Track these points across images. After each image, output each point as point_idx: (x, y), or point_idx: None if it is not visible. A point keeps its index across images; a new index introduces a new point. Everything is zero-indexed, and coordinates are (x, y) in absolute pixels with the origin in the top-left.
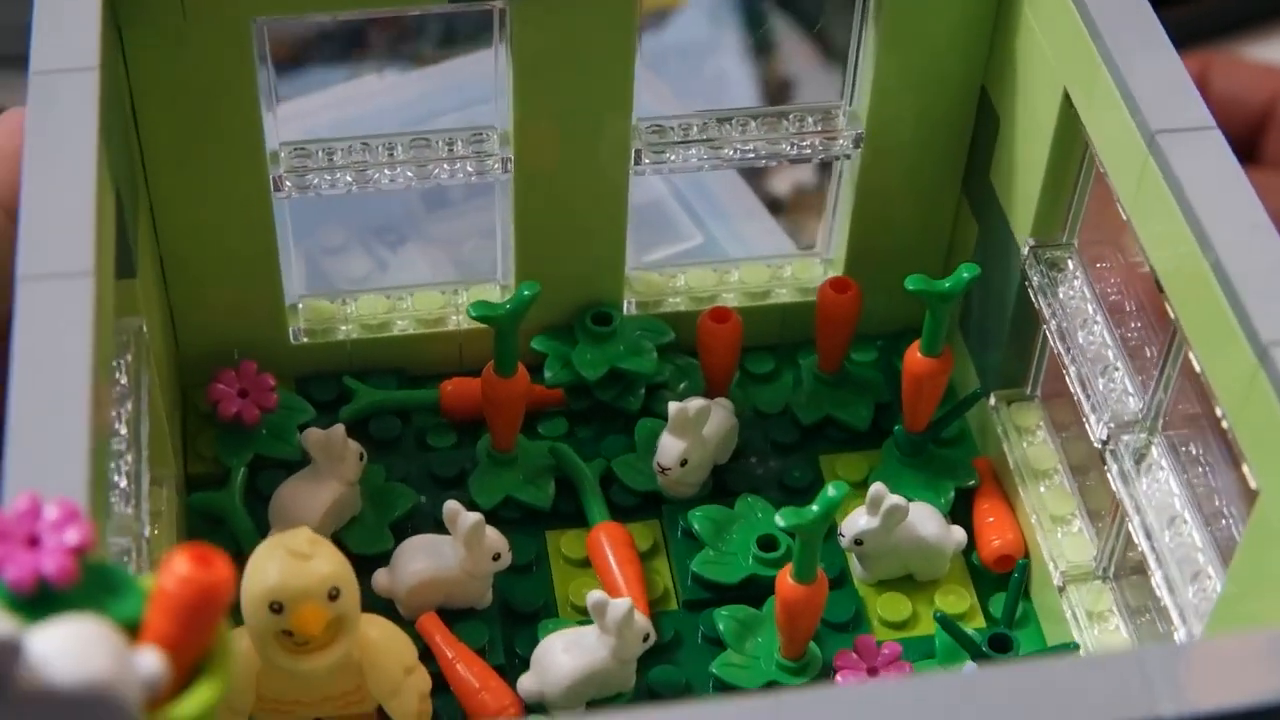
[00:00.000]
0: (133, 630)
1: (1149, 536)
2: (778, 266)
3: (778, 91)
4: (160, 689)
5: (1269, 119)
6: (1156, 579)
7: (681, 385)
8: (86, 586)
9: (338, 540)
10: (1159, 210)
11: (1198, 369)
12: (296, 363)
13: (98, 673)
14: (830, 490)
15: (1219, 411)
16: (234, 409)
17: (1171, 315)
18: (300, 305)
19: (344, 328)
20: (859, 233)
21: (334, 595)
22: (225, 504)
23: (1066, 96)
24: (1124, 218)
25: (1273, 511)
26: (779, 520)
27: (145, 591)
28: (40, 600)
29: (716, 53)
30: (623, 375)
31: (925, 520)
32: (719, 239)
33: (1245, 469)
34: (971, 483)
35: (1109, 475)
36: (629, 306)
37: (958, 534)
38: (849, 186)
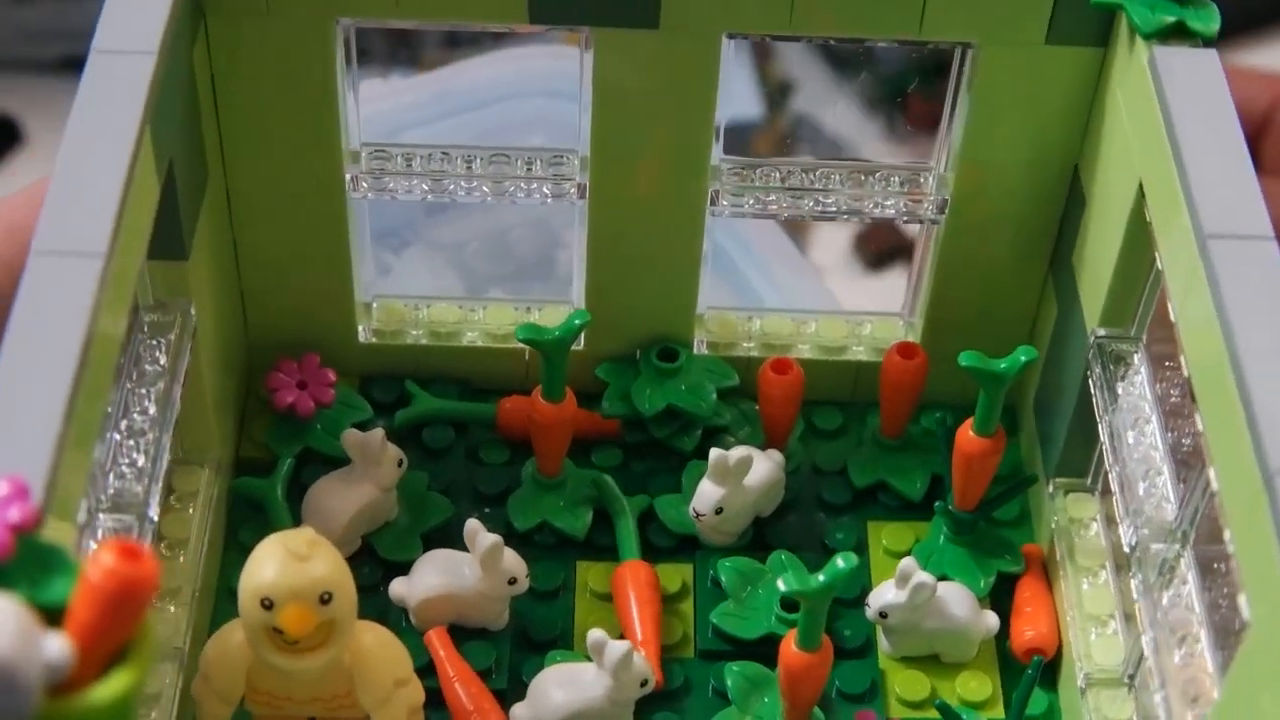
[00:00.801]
0: (59, 613)
1: (1156, 652)
2: (857, 323)
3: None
4: (66, 675)
5: (1268, 125)
6: (1157, 698)
7: (742, 431)
8: (23, 564)
9: (368, 543)
10: (1199, 315)
11: (1214, 487)
12: (363, 361)
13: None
14: (839, 561)
15: (1226, 534)
16: (290, 399)
17: (1200, 427)
18: (374, 305)
19: (414, 332)
20: (939, 300)
21: (325, 599)
22: (266, 492)
23: (1141, 187)
24: (1173, 318)
25: (1260, 648)
26: (780, 585)
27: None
28: None
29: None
30: (680, 414)
31: (957, 601)
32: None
33: (1241, 598)
34: (1016, 569)
35: (1132, 583)
36: (699, 346)
37: (990, 620)
38: (933, 252)
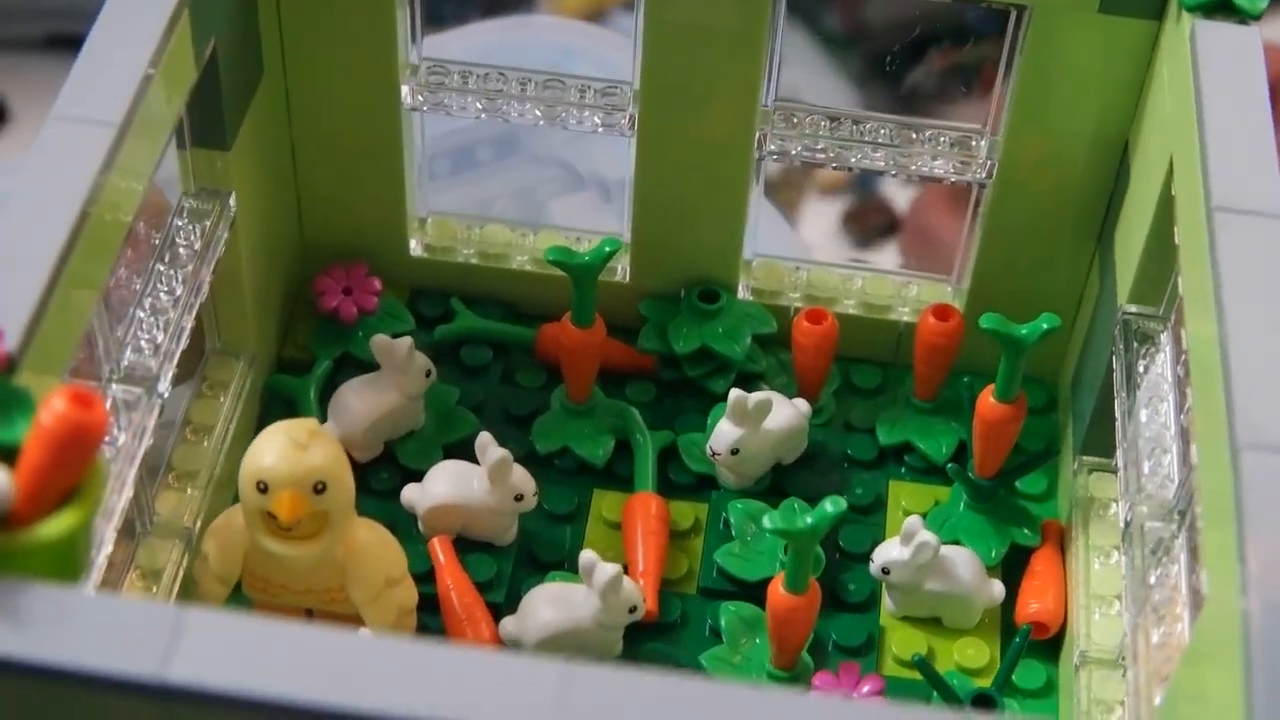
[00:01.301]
0: (15, 453)
1: (1134, 632)
2: (903, 284)
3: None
4: (6, 508)
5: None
6: (1129, 675)
7: (779, 380)
8: None
9: (390, 449)
10: (1198, 290)
11: (1194, 462)
12: (414, 275)
13: None
14: (828, 505)
15: (1198, 510)
16: (334, 303)
17: (1183, 403)
18: (429, 220)
19: (464, 251)
20: (985, 267)
21: (320, 489)
22: (300, 391)
23: (1171, 163)
24: (1180, 292)
25: (1212, 624)
26: (765, 522)
27: None
28: None
29: None
30: (714, 356)
31: (962, 566)
32: None
33: (1202, 574)
34: (1032, 542)
35: (1122, 560)
36: (744, 291)
37: (995, 588)
38: (982, 217)
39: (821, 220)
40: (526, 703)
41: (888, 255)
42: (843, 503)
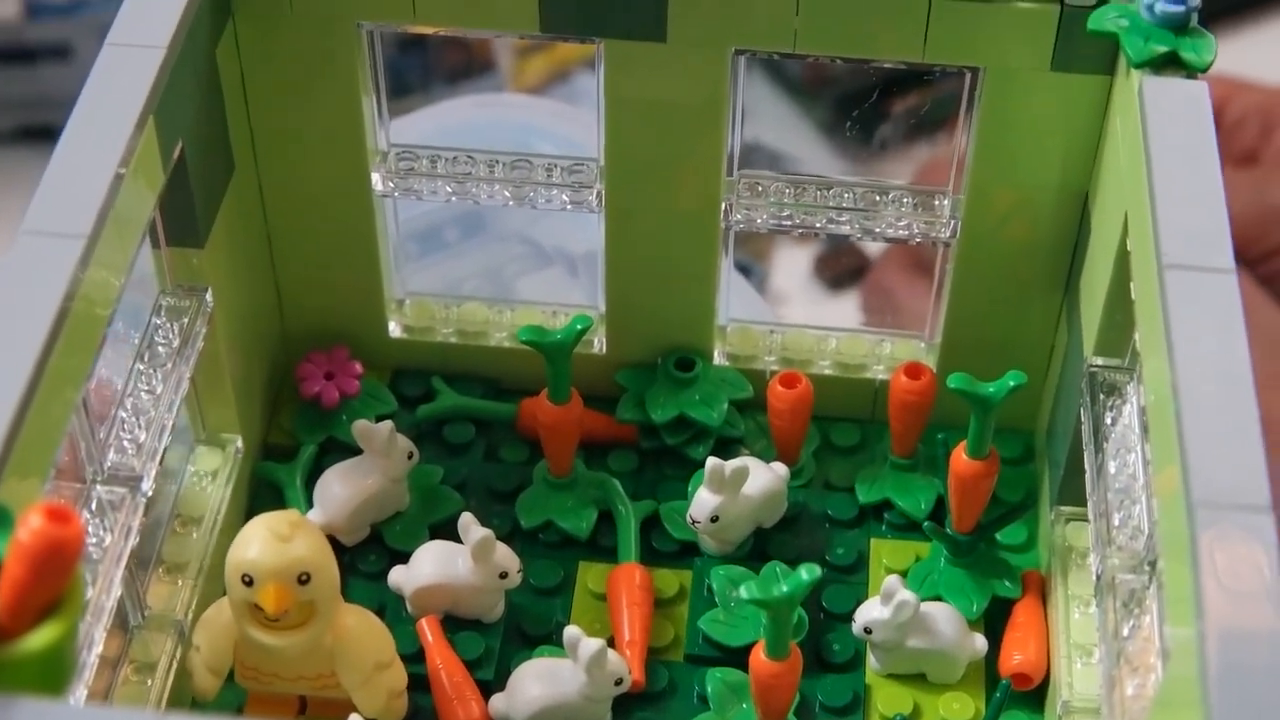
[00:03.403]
0: None
1: (1110, 685)
2: (876, 343)
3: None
4: None
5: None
6: None
7: (758, 444)
8: None
9: (376, 532)
10: (1154, 346)
11: (1154, 518)
12: (394, 356)
13: None
14: (803, 573)
15: (1160, 564)
16: (316, 389)
17: (1146, 457)
18: (406, 302)
19: (443, 330)
20: (956, 323)
21: (304, 580)
22: (285, 478)
23: (1126, 217)
24: (1137, 348)
25: (1175, 678)
26: (741, 592)
27: None
28: None
29: None
30: (692, 423)
31: (944, 622)
32: None
33: (1167, 628)
34: (1013, 594)
35: (1094, 612)
36: (720, 357)
37: (978, 642)
38: (950, 275)
39: (794, 267)
40: None
41: (853, 312)
42: (817, 570)
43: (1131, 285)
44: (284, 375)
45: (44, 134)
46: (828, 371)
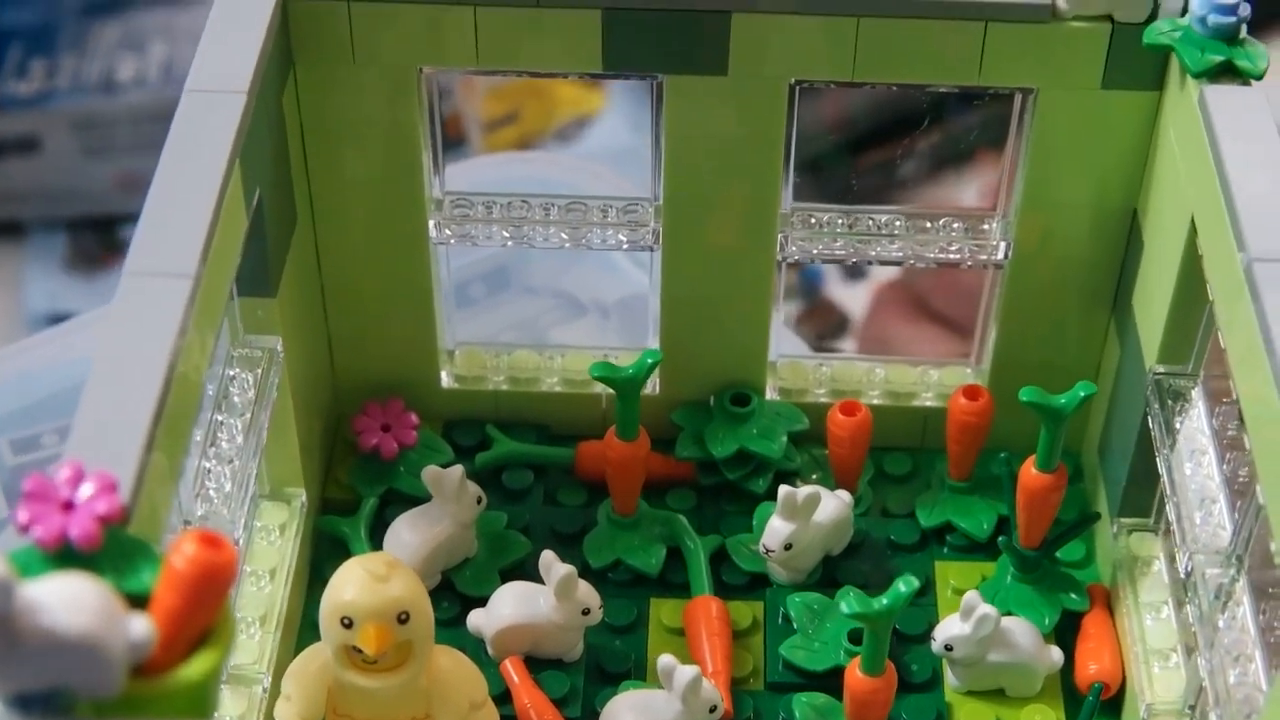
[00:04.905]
0: (144, 602)
1: (1211, 673)
2: (924, 370)
3: None
4: (148, 655)
5: None
6: (1213, 716)
7: (814, 475)
8: (109, 555)
9: (447, 578)
10: (1244, 337)
11: (1261, 502)
12: (446, 406)
13: (84, 625)
14: (901, 586)
15: (1273, 546)
16: (373, 441)
17: (1247, 448)
18: (456, 352)
19: (495, 379)
20: (1005, 345)
21: (403, 619)
22: (349, 531)
23: (1194, 223)
24: (1223, 345)
25: None
26: (843, 607)
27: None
28: (64, 560)
29: None
30: (751, 457)
31: (1021, 636)
32: None
33: None
34: (1082, 606)
35: (1189, 609)
36: (771, 392)
37: (1055, 654)
38: (999, 297)
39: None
40: None
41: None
42: (915, 581)
43: (1208, 286)
44: (335, 427)
45: (10, 230)
46: (877, 401)
